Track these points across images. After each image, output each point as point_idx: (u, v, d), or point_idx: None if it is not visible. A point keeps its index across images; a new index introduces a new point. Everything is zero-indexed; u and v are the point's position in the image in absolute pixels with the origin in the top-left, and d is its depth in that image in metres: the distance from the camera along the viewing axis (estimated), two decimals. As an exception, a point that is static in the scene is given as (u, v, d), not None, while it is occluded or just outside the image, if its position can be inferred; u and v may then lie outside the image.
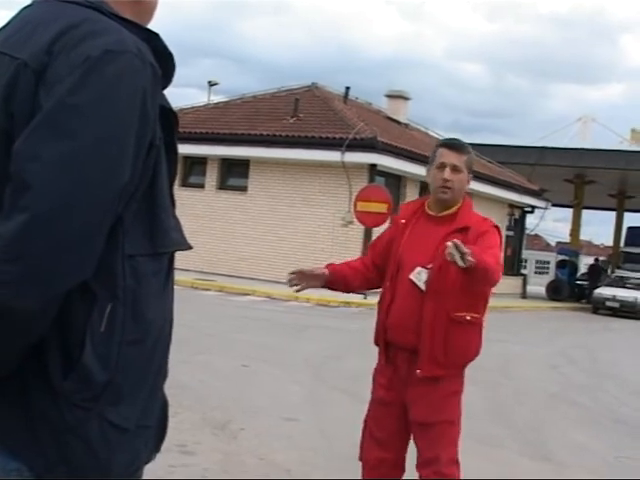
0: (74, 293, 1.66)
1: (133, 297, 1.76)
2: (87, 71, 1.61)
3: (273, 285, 23.69)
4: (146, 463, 1.94)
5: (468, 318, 4.24)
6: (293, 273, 4.49)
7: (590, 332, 24.08)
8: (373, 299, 22.86)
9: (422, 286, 4.23)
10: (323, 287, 4.54)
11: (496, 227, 4.41)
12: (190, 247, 1.96)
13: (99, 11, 1.75)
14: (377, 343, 4.52)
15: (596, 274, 41.22)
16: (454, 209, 4.39)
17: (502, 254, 4.49)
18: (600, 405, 10.83)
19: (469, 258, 3.72)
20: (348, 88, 29.76)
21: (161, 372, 1.95)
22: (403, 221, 4.48)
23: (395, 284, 4.36)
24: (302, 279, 4.47)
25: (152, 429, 1.92)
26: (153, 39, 1.79)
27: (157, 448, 1.99)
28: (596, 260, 47.08)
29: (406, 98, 32.45)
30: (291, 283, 4.50)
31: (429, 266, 4.23)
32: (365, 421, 4.62)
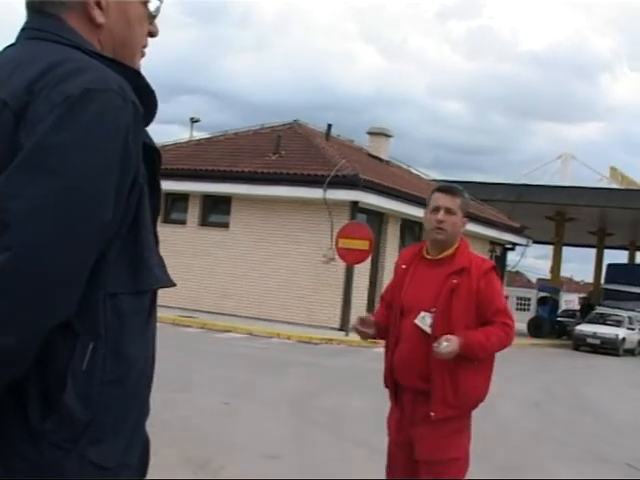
0: (55, 331, 1.64)
1: (115, 335, 1.74)
2: (68, 110, 1.61)
3: (255, 322, 23.65)
4: None
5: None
6: (361, 322, 4.60)
7: (571, 369, 24.11)
8: (355, 336, 22.83)
9: (428, 330, 4.35)
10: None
11: (494, 267, 4.57)
12: (174, 284, 1.95)
13: (81, 50, 1.76)
14: (386, 385, 4.69)
15: (586, 309, 41.46)
16: (451, 250, 4.51)
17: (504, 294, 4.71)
18: (582, 442, 10.81)
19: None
20: (330, 125, 29.92)
21: (143, 410, 1.93)
22: (404, 266, 4.60)
23: (399, 328, 4.49)
24: (367, 325, 4.59)
25: (133, 467, 1.89)
26: (135, 77, 1.79)
27: None
28: (585, 297, 47.38)
29: (388, 135, 32.64)
30: (362, 332, 4.62)
31: (432, 310, 4.35)
32: (387, 461, 4.76)
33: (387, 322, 4.62)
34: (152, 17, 1.98)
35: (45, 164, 1.58)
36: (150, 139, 1.84)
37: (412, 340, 4.39)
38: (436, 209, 4.50)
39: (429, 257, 4.54)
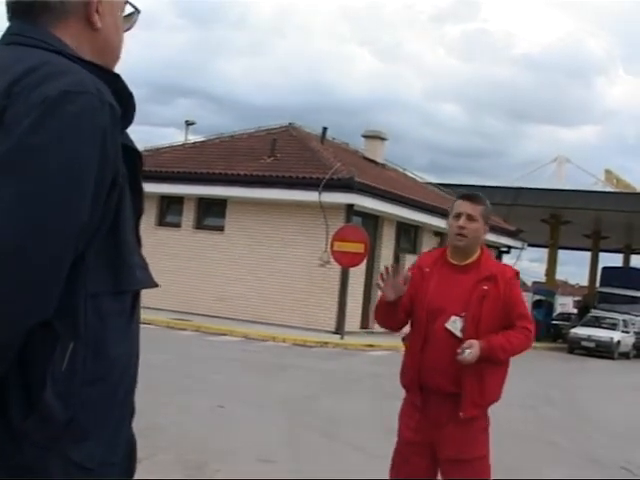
0: (36, 331, 1.64)
1: (95, 336, 1.75)
2: (45, 112, 1.62)
3: (250, 325, 23.64)
4: None
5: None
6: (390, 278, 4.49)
7: (566, 372, 24.14)
8: (350, 340, 22.77)
9: (459, 334, 4.45)
10: (387, 304, 4.56)
11: (517, 274, 4.78)
12: (156, 285, 1.94)
13: (62, 54, 1.78)
14: (408, 387, 4.71)
15: (583, 311, 41.56)
16: (475, 257, 4.64)
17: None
18: (576, 445, 10.82)
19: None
20: (325, 128, 29.93)
21: (126, 409, 1.93)
22: (427, 269, 4.64)
23: (427, 331, 4.53)
24: (395, 285, 4.49)
25: (118, 467, 1.90)
26: (113, 80, 1.82)
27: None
28: (581, 300, 47.51)
29: (383, 138, 32.66)
30: (385, 289, 4.51)
31: (462, 314, 4.46)
32: (393, 459, 4.77)
33: (401, 314, 4.62)
34: (128, 25, 2.04)
35: (21, 166, 1.59)
36: (130, 141, 1.86)
37: (441, 343, 4.47)
38: (458, 216, 4.60)
39: (454, 262, 4.64)
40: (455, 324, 4.46)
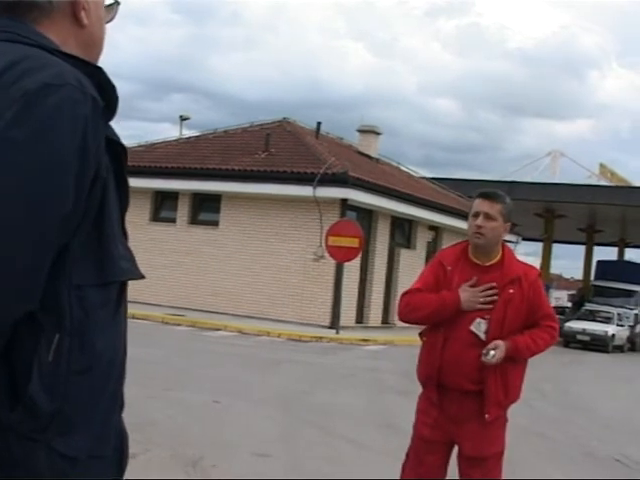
0: (21, 324, 1.66)
1: (81, 327, 1.75)
2: (25, 105, 1.63)
3: (245, 320, 23.64)
4: None
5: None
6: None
7: (561, 365, 24.16)
8: (345, 334, 22.73)
9: (483, 336, 4.50)
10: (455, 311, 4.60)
11: (540, 275, 4.85)
12: (142, 276, 1.94)
13: (42, 48, 1.78)
14: (424, 384, 4.73)
15: (578, 304, 41.68)
16: (498, 257, 4.65)
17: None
18: (570, 439, 10.86)
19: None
20: (319, 123, 29.92)
21: (115, 401, 1.93)
22: (449, 268, 4.65)
23: (449, 330, 4.56)
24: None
25: (108, 459, 1.90)
26: (96, 72, 1.82)
27: (119, 474, 1.96)
28: (575, 293, 47.67)
29: (377, 133, 32.66)
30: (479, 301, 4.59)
31: (487, 316, 4.50)
32: (407, 455, 4.81)
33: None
34: (109, 17, 2.06)
35: (1, 159, 1.60)
36: (114, 134, 1.86)
37: (463, 343, 4.51)
38: (476, 214, 4.61)
39: (478, 262, 4.64)
40: (480, 326, 4.50)
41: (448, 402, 4.58)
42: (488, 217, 4.55)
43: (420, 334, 4.80)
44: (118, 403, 1.95)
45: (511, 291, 4.50)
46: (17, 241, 1.60)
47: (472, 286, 4.52)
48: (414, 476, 4.68)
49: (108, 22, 2.05)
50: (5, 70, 1.69)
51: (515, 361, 4.55)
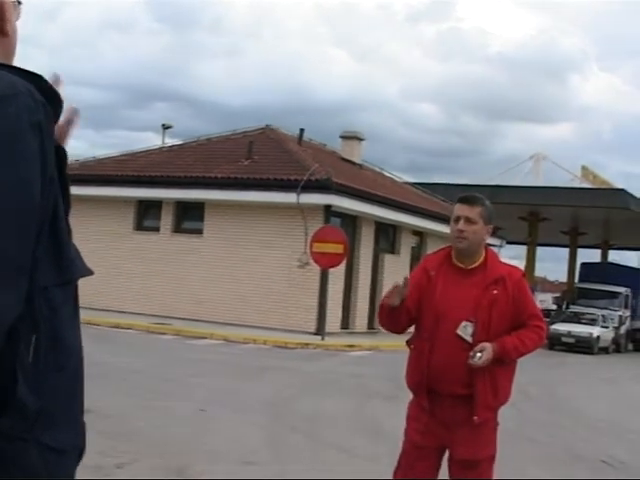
0: None
1: (51, 326, 1.83)
2: None
3: (230, 328, 23.60)
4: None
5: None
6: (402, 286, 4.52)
7: (547, 368, 24.23)
8: (331, 340, 22.68)
9: (469, 339, 4.50)
10: (392, 309, 4.56)
11: (524, 275, 4.88)
12: (92, 273, 2.03)
13: None
14: (414, 390, 4.73)
15: (563, 305, 41.91)
16: (481, 260, 4.67)
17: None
18: (557, 441, 10.88)
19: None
20: (302, 130, 29.92)
21: (83, 394, 2.02)
22: (433, 272, 4.66)
23: (435, 335, 4.56)
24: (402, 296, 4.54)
25: (79, 449, 2.00)
26: (37, 80, 1.86)
27: (78, 462, 2.05)
28: (562, 294, 47.99)
29: (360, 139, 32.68)
30: (391, 296, 4.52)
31: (472, 319, 4.50)
32: (399, 462, 4.79)
33: (404, 318, 4.62)
34: (17, 19, 2.08)
35: None
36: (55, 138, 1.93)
37: (450, 347, 4.50)
38: (457, 219, 4.64)
39: (461, 266, 4.66)
40: (466, 329, 4.50)
41: (439, 407, 4.58)
42: (469, 221, 4.58)
43: (407, 342, 4.80)
44: (81, 394, 2.03)
45: (495, 292, 4.51)
46: (7, 247, 1.67)
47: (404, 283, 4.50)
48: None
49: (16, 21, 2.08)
50: None
51: (504, 363, 4.56)
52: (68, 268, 1.91)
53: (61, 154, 1.94)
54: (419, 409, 4.68)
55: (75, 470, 1.98)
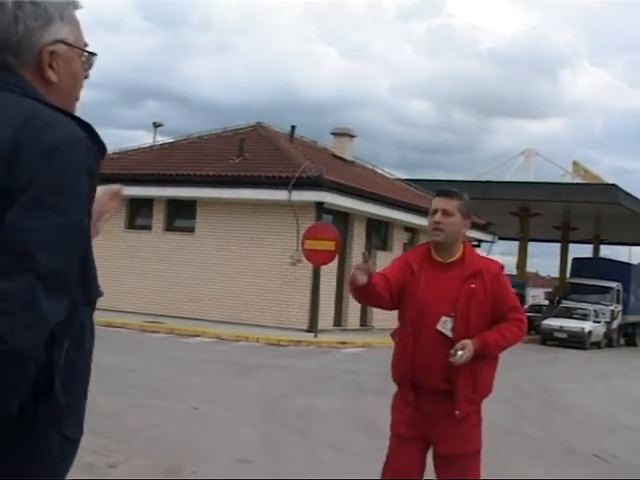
0: None
1: (79, 335, 2.18)
2: (57, 158, 1.97)
3: (223, 326, 23.59)
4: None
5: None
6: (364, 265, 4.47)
7: (539, 363, 24.31)
8: (323, 337, 22.70)
9: (449, 334, 4.50)
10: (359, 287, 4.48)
11: (502, 268, 4.84)
12: (102, 294, 2.37)
13: (43, 103, 2.09)
14: (399, 383, 4.73)
15: (555, 300, 42.02)
16: (459, 254, 4.68)
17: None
18: (551, 436, 10.90)
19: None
20: (294, 127, 29.91)
21: (86, 394, 2.33)
22: (415, 267, 4.67)
23: (417, 330, 4.57)
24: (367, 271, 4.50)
25: (78, 442, 2.30)
26: (88, 128, 2.12)
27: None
28: (554, 289, 48.11)
29: (352, 136, 32.68)
30: (361, 273, 4.43)
31: (452, 314, 4.51)
32: (387, 455, 4.79)
33: (381, 290, 4.56)
34: (88, 67, 2.33)
35: (50, 204, 1.96)
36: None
37: (431, 343, 4.52)
38: (434, 212, 4.66)
39: (439, 259, 4.67)
40: (446, 324, 4.50)
41: (422, 401, 4.59)
42: (446, 213, 4.61)
43: (392, 335, 4.83)
44: (87, 394, 2.36)
45: (473, 285, 4.51)
46: (67, 267, 2.00)
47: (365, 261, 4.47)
48: (392, 475, 4.68)
49: (87, 71, 2.32)
50: (26, 122, 2.00)
51: (485, 358, 4.57)
52: (92, 290, 2.25)
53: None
54: (404, 402, 4.69)
55: (75, 456, 2.29)
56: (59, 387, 2.08)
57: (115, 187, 2.63)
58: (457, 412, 4.51)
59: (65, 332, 2.09)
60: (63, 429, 2.15)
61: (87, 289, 2.21)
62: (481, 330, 4.50)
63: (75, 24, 2.27)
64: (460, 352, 4.38)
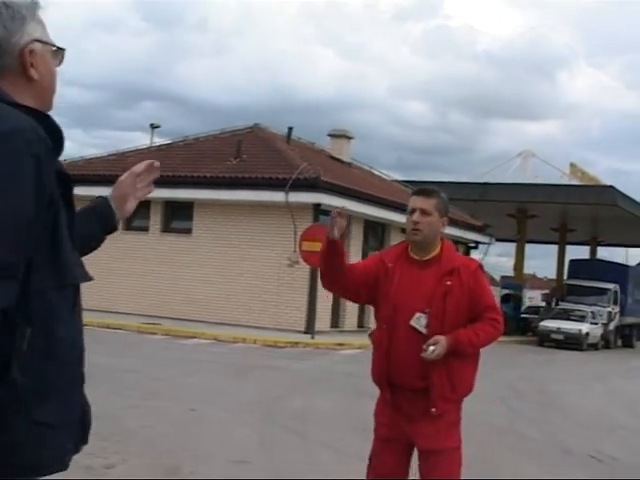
0: (1, 323, 2.03)
1: (46, 322, 2.19)
2: None
3: (220, 327, 23.59)
4: (74, 453, 2.38)
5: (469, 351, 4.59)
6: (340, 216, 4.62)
7: (536, 364, 24.33)
8: (320, 339, 22.69)
9: (423, 330, 4.47)
10: (332, 245, 4.60)
11: (481, 266, 4.78)
12: (91, 279, 2.40)
13: (2, 101, 2.17)
14: (377, 383, 4.72)
15: (552, 302, 42.08)
16: (437, 251, 4.65)
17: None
18: (547, 437, 10.92)
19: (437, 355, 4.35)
20: (291, 128, 29.91)
21: (77, 378, 2.37)
22: (391, 265, 4.65)
23: (392, 328, 4.54)
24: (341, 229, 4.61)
25: (76, 425, 2.35)
26: (44, 119, 2.21)
27: (83, 441, 2.42)
28: (551, 291, 48.28)
29: (349, 137, 32.69)
30: (339, 222, 4.61)
31: (426, 310, 4.47)
32: (370, 458, 4.76)
33: (345, 267, 4.62)
34: (59, 62, 2.45)
35: None
36: (62, 167, 2.31)
37: (406, 340, 4.48)
38: (412, 211, 4.64)
39: (416, 258, 4.65)
40: (419, 321, 4.47)
41: (400, 400, 4.57)
42: (424, 212, 4.59)
43: (369, 335, 4.80)
44: (80, 380, 2.39)
45: (449, 283, 4.48)
46: (3, 250, 2.01)
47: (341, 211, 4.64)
48: (376, 477, 4.67)
49: (58, 66, 2.44)
50: None
51: (460, 355, 4.50)
52: (64, 274, 2.24)
53: (66, 179, 2.33)
54: (384, 403, 4.68)
55: (68, 443, 2.32)
56: (16, 370, 2.10)
57: (136, 168, 2.94)
58: (433, 410, 4.46)
59: (27, 317, 2.12)
60: (32, 414, 2.16)
61: (59, 272, 2.23)
62: (457, 328, 4.46)
63: (43, 22, 2.38)
64: (432, 347, 4.34)
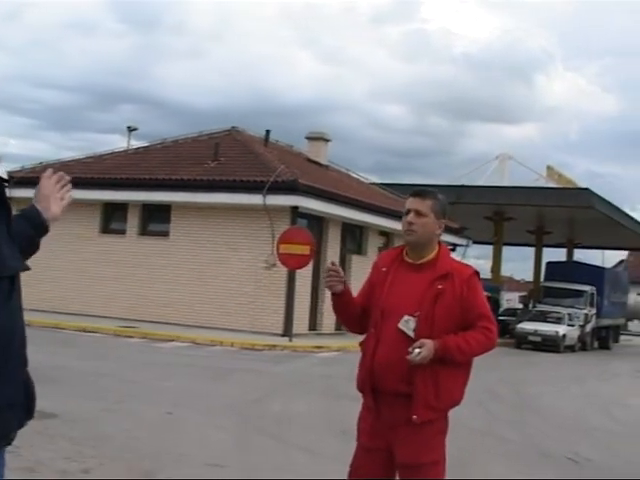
0: None
1: None
2: None
3: (197, 330, 23.52)
4: (19, 429, 2.66)
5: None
6: (333, 270, 4.50)
7: (514, 367, 24.41)
8: (298, 342, 22.71)
9: (411, 334, 4.34)
10: (337, 297, 4.56)
11: (476, 273, 4.61)
12: (28, 268, 2.71)
13: None
14: (360, 388, 4.58)
15: (529, 304, 42.36)
16: (432, 255, 4.54)
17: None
18: (525, 439, 10.96)
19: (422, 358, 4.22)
20: (268, 131, 29.91)
21: (18, 361, 2.60)
22: (384, 269, 4.59)
23: (379, 331, 4.44)
24: (339, 278, 4.52)
25: (20, 406, 2.58)
26: None
27: (28, 416, 2.68)
28: (528, 293, 48.66)
29: (326, 140, 32.69)
30: (331, 280, 4.50)
31: (416, 314, 4.36)
32: (351, 465, 4.62)
33: (357, 308, 4.59)
34: None
35: None
36: None
37: (393, 343, 4.35)
38: (407, 212, 4.57)
39: (410, 261, 4.56)
40: (408, 324, 4.35)
41: (382, 406, 4.42)
42: (419, 214, 4.50)
43: (360, 344, 4.68)
44: (22, 362, 2.65)
45: (440, 286, 4.36)
46: None
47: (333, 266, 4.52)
48: None
49: None
50: None
51: (449, 363, 4.36)
52: None
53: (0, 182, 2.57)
54: (366, 409, 4.53)
55: (17, 422, 2.62)
56: None
57: (46, 174, 3.10)
58: (415, 417, 4.30)
59: None
60: None
61: None
62: (448, 334, 4.33)
63: None
64: (418, 350, 4.20)
